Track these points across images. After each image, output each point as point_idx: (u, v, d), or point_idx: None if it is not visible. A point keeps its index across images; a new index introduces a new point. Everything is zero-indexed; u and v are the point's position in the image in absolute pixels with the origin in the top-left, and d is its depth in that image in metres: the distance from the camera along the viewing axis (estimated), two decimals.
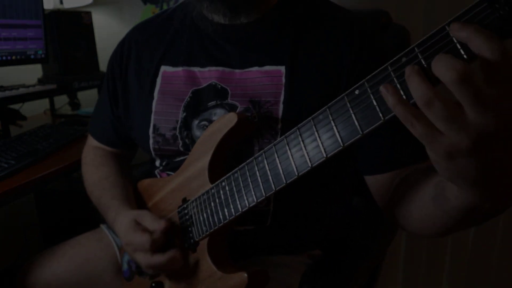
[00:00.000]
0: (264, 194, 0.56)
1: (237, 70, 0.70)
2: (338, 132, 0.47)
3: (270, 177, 0.55)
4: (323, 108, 0.48)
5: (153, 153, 0.76)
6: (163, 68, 0.76)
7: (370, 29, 0.70)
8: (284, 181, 0.53)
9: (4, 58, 1.22)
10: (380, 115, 0.43)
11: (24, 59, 1.29)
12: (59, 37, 1.47)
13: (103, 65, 1.64)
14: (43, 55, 1.36)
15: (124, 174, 0.86)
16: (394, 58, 0.41)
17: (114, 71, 0.83)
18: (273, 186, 0.55)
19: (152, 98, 0.75)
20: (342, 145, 0.47)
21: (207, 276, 0.64)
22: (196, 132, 0.71)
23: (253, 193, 0.57)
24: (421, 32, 1.27)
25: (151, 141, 0.74)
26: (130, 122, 0.81)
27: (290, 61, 0.68)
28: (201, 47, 0.74)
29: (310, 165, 0.50)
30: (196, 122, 0.71)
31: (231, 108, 0.69)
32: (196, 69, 0.73)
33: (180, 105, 0.72)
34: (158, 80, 0.75)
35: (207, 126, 0.70)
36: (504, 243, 1.37)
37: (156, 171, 0.80)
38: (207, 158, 0.65)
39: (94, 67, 1.62)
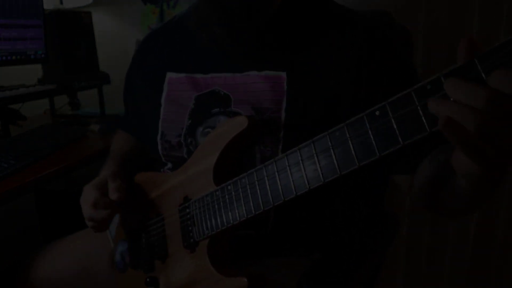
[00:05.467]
0: (272, 203, 0.55)
1: (237, 74, 0.69)
2: (355, 151, 0.46)
3: (279, 186, 0.54)
4: (341, 125, 0.48)
5: (163, 158, 0.76)
6: (169, 75, 0.76)
7: (378, 32, 0.68)
8: (294, 193, 0.53)
9: (4, 58, 1.22)
10: (400, 139, 0.42)
11: (24, 59, 1.29)
12: (59, 37, 1.46)
13: (103, 65, 1.64)
14: (43, 55, 1.36)
15: (139, 155, 0.88)
16: (418, 85, 0.40)
17: (127, 77, 0.88)
18: (282, 196, 0.54)
19: (160, 105, 0.76)
20: (357, 164, 0.46)
21: (205, 277, 0.63)
22: (200, 140, 0.71)
23: (260, 200, 0.56)
24: (422, 33, 1.27)
25: (159, 147, 0.75)
26: (139, 127, 0.84)
27: (291, 67, 0.66)
28: (203, 54, 0.74)
29: (322, 180, 0.50)
30: (200, 129, 0.71)
31: (234, 115, 0.68)
32: (199, 75, 0.73)
33: (185, 112, 0.72)
34: (165, 87, 0.76)
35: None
36: (504, 243, 1.37)
37: (162, 170, 0.80)
38: (213, 159, 0.64)
39: (94, 67, 1.62)
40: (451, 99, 0.36)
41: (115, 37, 1.80)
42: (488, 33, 1.21)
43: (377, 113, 0.44)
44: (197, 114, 0.71)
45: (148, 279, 0.71)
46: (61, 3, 1.62)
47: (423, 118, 0.40)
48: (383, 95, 0.64)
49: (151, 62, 0.81)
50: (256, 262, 0.73)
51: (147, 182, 0.79)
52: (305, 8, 0.71)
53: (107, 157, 0.86)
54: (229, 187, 0.61)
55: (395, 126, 0.42)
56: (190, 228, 0.66)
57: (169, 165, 0.79)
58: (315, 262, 0.79)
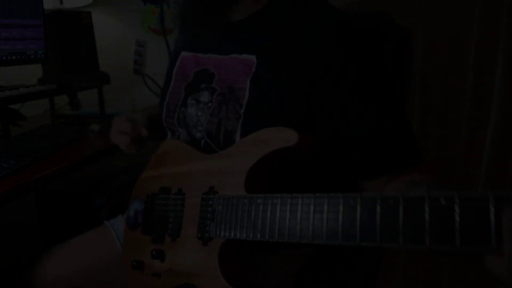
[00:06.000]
0: (298, 239, 0.53)
1: (224, 57, 0.77)
2: (402, 231, 0.44)
3: (310, 225, 0.51)
4: (396, 192, 0.46)
5: (164, 124, 0.85)
6: (183, 53, 0.86)
7: (355, 29, 0.68)
8: (324, 240, 0.50)
9: (4, 58, 1.22)
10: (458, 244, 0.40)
11: (24, 59, 1.29)
12: (59, 37, 1.46)
13: (103, 65, 1.64)
14: (43, 55, 1.36)
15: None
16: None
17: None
18: (310, 235, 0.51)
19: (171, 77, 0.86)
20: (401, 245, 0.44)
21: (209, 275, 0.63)
22: (188, 109, 0.78)
23: (286, 231, 0.54)
24: (422, 33, 1.27)
25: (164, 114, 0.84)
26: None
27: (262, 52, 0.71)
28: (204, 36, 0.82)
29: (358, 241, 0.47)
30: (189, 100, 0.79)
31: (213, 90, 0.75)
32: (201, 55, 0.82)
33: (184, 85, 0.82)
34: (177, 63, 0.86)
35: (194, 105, 0.77)
36: None
37: None
38: (249, 162, 0.62)
39: (94, 67, 1.62)
40: None
41: (115, 37, 1.80)
42: (488, 33, 1.22)
43: (442, 202, 0.42)
44: (190, 87, 0.80)
45: (154, 252, 0.69)
46: (61, 3, 1.62)
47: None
48: (354, 102, 0.65)
49: (176, 44, 0.94)
50: (254, 257, 0.73)
51: (175, 151, 0.78)
52: (293, 3, 0.74)
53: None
54: (258, 200, 0.58)
55: (457, 221, 0.40)
56: (208, 222, 0.65)
57: (169, 133, 0.85)
58: (310, 259, 0.79)
